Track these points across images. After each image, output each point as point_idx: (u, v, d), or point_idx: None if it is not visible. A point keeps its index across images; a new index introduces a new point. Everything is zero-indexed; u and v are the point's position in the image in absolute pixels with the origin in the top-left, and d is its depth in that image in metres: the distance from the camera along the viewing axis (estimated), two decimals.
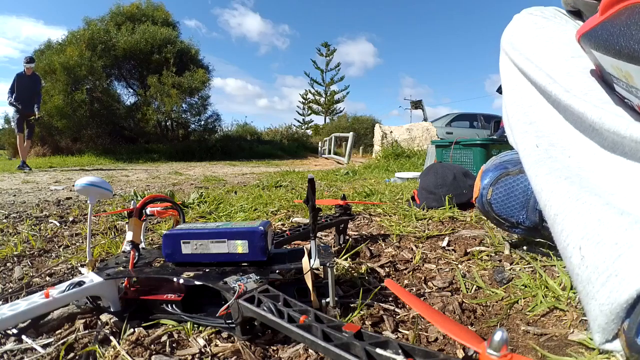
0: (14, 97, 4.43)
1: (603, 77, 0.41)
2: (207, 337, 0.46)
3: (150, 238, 1.01)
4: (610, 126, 0.36)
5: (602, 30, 0.35)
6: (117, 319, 0.50)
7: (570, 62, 0.46)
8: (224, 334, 0.47)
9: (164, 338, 0.46)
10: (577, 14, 0.56)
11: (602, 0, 0.35)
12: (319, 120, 24.04)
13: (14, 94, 4.43)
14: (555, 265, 0.66)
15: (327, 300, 0.51)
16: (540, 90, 0.47)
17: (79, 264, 0.79)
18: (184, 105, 10.41)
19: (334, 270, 0.52)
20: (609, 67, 0.38)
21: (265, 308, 0.41)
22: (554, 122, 0.44)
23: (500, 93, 0.60)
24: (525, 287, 0.59)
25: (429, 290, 0.62)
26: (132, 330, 0.48)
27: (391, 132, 6.24)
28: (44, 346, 0.44)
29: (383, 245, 0.89)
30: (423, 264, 0.76)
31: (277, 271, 0.58)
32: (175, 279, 0.53)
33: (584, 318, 0.47)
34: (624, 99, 0.38)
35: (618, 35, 0.33)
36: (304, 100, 24.20)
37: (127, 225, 0.61)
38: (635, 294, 0.26)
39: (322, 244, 0.59)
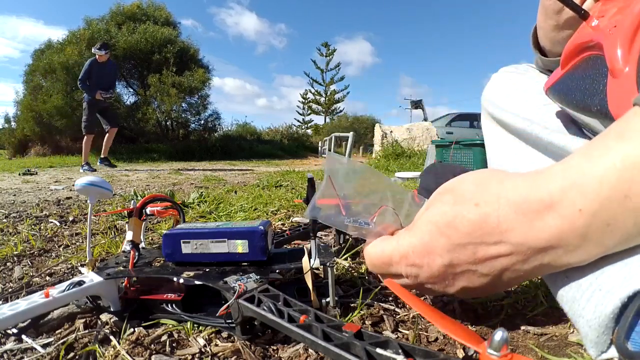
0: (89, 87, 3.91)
1: (573, 120, 0.44)
2: (207, 337, 0.46)
3: (150, 238, 1.01)
4: None
5: (563, 84, 0.37)
6: (117, 319, 0.50)
7: (543, 109, 0.48)
8: (224, 334, 0.47)
9: (164, 338, 0.46)
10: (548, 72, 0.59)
11: (562, 55, 0.37)
12: (319, 120, 24.08)
13: (87, 82, 3.92)
14: None
15: (327, 300, 0.51)
16: (520, 135, 0.49)
17: (79, 264, 0.79)
18: (183, 105, 10.41)
19: (334, 270, 0.52)
20: (574, 117, 0.41)
21: (265, 308, 0.41)
22: (538, 167, 0.45)
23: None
24: (525, 287, 0.59)
25: None
26: (132, 329, 0.48)
27: (391, 132, 6.24)
28: (44, 346, 0.44)
29: None
30: None
31: (277, 271, 0.57)
32: (175, 279, 0.53)
33: None
34: None
35: (575, 90, 0.35)
36: (303, 100, 24.22)
37: (127, 225, 0.61)
38: (620, 303, 0.26)
39: (322, 244, 0.59)
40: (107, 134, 4.27)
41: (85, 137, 4.16)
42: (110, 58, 4.19)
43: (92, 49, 4.10)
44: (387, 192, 0.44)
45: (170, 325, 0.49)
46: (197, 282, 0.51)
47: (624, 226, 0.24)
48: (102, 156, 4.33)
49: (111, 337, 0.46)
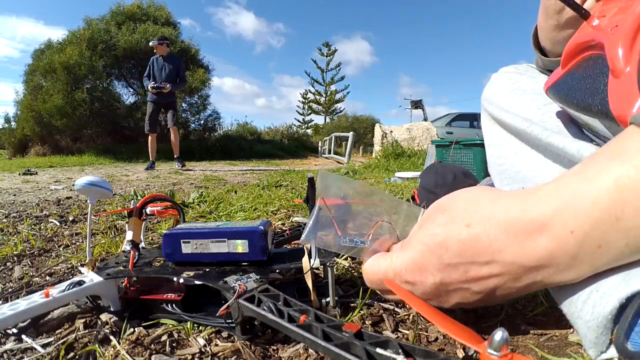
0: (150, 83, 3.93)
1: (573, 120, 0.44)
2: (207, 337, 0.46)
3: (150, 237, 1.01)
4: (587, 156, 0.38)
5: (563, 83, 0.37)
6: (117, 319, 0.50)
7: (543, 109, 0.48)
8: (224, 334, 0.47)
9: (164, 337, 0.46)
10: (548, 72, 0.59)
11: (563, 54, 0.37)
12: (319, 119, 24.09)
13: (150, 80, 3.96)
14: None
15: (327, 299, 0.51)
16: (520, 135, 0.49)
17: (79, 264, 0.79)
18: (183, 105, 10.40)
19: (334, 270, 0.52)
20: (574, 116, 0.42)
21: (265, 307, 0.41)
22: (537, 167, 0.45)
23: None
24: None
25: None
26: (132, 329, 0.48)
27: (391, 131, 6.23)
28: (44, 346, 0.44)
29: None
30: None
31: (277, 271, 0.58)
32: (175, 279, 0.53)
33: None
34: (592, 141, 0.41)
35: (576, 89, 0.35)
36: (303, 100, 24.23)
37: (127, 225, 0.61)
38: (618, 303, 0.26)
39: None
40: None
41: (149, 137, 4.24)
42: (172, 51, 4.21)
43: (150, 43, 4.14)
44: (382, 205, 0.44)
45: (170, 325, 0.49)
46: (197, 282, 0.50)
47: (616, 247, 0.25)
48: (175, 155, 4.44)
49: (111, 337, 0.46)
